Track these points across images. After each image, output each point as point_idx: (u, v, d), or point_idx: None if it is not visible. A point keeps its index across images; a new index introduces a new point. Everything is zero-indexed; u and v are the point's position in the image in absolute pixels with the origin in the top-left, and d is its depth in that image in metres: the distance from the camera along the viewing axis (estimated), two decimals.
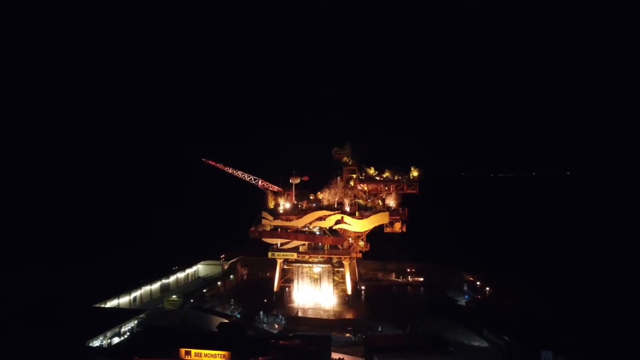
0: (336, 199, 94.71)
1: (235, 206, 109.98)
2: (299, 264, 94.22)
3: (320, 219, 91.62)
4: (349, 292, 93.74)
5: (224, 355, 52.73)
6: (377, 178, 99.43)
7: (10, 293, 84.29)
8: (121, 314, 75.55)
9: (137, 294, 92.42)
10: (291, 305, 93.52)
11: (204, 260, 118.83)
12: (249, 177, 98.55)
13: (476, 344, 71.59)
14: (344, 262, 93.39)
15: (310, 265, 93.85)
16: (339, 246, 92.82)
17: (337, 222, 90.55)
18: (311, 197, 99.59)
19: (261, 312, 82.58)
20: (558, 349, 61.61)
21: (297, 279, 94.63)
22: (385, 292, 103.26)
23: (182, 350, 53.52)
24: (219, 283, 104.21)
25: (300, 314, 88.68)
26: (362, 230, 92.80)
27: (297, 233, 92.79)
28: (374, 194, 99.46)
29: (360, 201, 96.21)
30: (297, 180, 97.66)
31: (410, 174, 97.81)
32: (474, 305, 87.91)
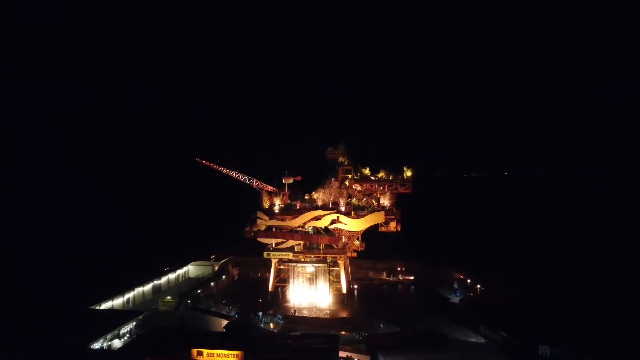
0: (331, 199, 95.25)
1: (234, 206, 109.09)
2: (294, 264, 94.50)
3: (316, 218, 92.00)
4: (344, 291, 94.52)
5: (237, 355, 52.46)
6: (372, 178, 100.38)
7: (10, 294, 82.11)
8: (119, 316, 74.75)
9: (130, 295, 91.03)
10: (286, 304, 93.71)
11: (194, 260, 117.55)
12: (244, 177, 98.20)
13: (473, 340, 73.27)
14: (338, 261, 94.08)
15: (305, 264, 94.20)
16: (334, 245, 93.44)
17: (333, 221, 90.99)
18: (306, 197, 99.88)
19: (260, 312, 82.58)
20: (554, 342, 64.02)
21: (292, 279, 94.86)
22: (377, 291, 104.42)
23: (194, 351, 52.93)
24: (211, 284, 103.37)
25: (296, 314, 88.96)
26: (357, 230, 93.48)
27: (292, 233, 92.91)
28: (368, 194, 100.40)
29: (355, 201, 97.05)
30: (290, 180, 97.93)
31: (404, 174, 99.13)
32: (467, 302, 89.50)
